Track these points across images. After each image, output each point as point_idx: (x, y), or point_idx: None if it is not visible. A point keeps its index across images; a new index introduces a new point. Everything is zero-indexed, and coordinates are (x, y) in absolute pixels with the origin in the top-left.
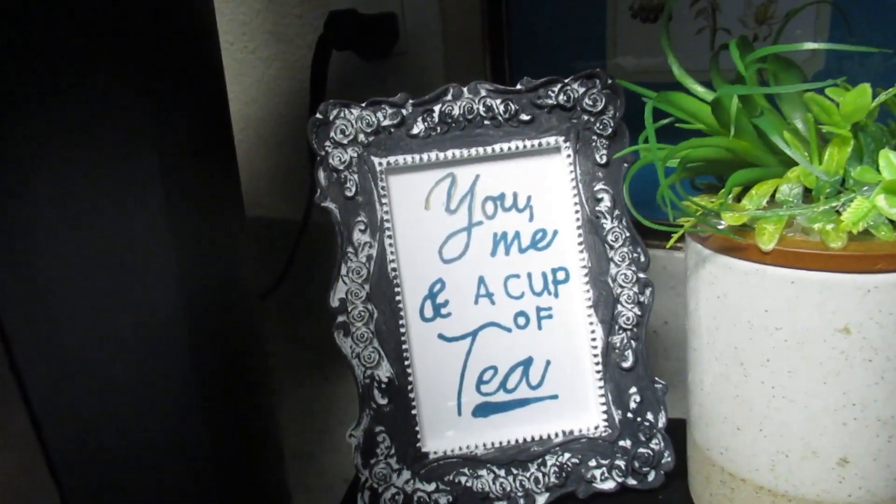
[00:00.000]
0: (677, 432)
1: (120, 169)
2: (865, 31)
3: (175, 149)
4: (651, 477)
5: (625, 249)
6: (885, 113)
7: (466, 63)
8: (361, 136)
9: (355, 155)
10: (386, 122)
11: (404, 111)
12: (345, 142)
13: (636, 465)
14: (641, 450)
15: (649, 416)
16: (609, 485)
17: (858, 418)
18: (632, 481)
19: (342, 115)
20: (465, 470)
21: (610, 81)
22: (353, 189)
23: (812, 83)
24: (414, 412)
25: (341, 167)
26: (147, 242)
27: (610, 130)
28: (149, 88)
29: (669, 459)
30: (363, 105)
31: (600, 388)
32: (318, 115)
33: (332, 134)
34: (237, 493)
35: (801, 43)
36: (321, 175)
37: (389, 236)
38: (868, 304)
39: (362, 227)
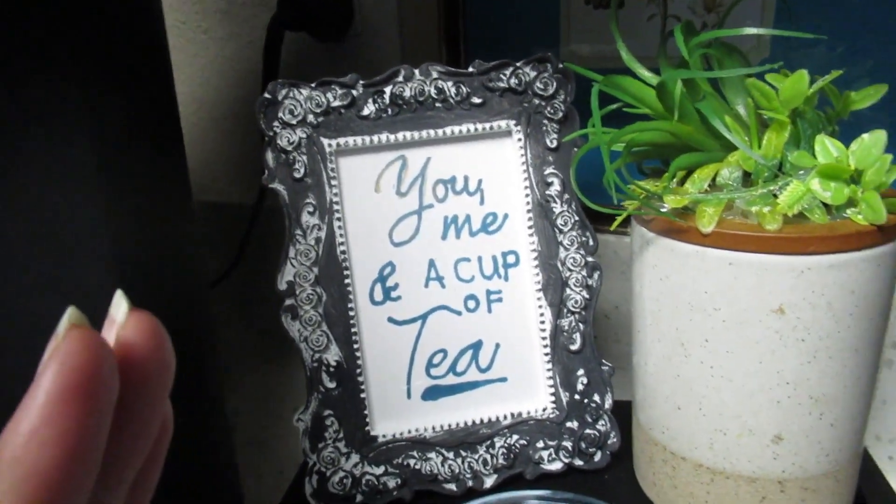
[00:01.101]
0: (624, 414)
1: (50, 151)
2: (809, 19)
3: (112, 131)
4: (597, 457)
5: (574, 233)
6: (824, 101)
7: (422, 46)
8: (311, 117)
9: (304, 136)
10: (336, 103)
11: (354, 92)
12: (293, 122)
13: (583, 445)
14: (588, 431)
15: (596, 397)
16: (556, 465)
17: (791, 396)
18: (578, 462)
19: (291, 94)
20: (414, 453)
21: (561, 66)
22: (302, 170)
23: (751, 68)
24: (363, 396)
25: (290, 148)
26: (80, 228)
27: (561, 115)
28: (81, 68)
29: (615, 440)
30: (313, 85)
31: (548, 370)
32: (267, 95)
33: (280, 114)
34: (185, 481)
35: (742, 28)
36: (269, 156)
37: (339, 219)
38: (801, 285)
39: (311, 210)
